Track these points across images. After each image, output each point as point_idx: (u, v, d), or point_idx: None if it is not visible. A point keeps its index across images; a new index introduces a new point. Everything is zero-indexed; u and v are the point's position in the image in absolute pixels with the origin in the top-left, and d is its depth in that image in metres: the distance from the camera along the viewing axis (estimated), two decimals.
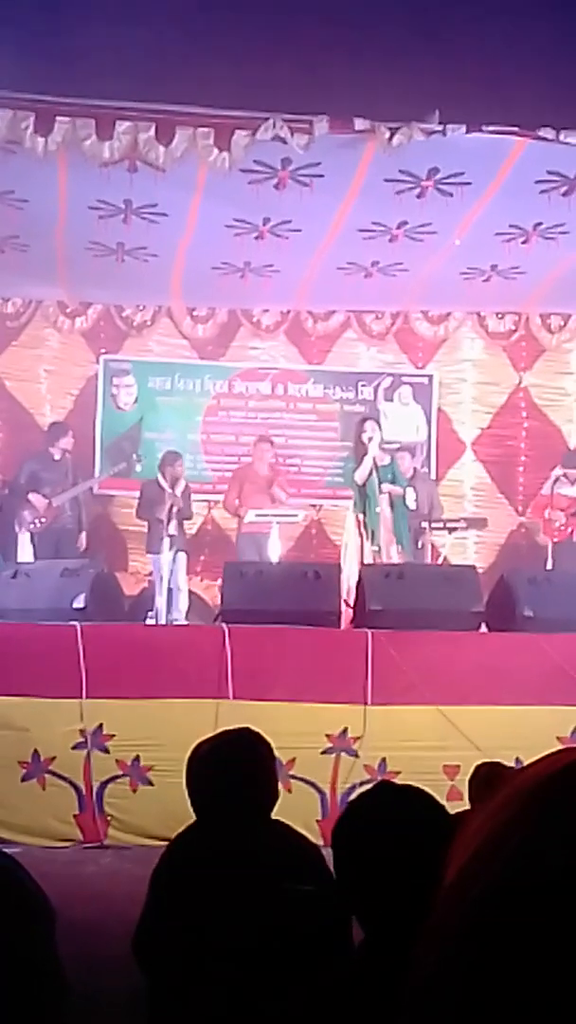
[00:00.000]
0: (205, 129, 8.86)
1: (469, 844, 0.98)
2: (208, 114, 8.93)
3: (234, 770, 3.29)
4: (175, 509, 11.51)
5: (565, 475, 12.71)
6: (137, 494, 12.21)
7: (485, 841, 0.97)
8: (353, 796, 7.51)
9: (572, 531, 12.14)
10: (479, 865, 0.96)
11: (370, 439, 11.14)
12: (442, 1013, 0.95)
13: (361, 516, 11.18)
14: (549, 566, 12.04)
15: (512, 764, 6.78)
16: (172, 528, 11.45)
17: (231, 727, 3.60)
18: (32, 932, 1.44)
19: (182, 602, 11.41)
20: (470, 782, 4.69)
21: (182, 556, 11.69)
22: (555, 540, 12.37)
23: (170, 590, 11.33)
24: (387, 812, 2.39)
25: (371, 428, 11.28)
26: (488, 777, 4.02)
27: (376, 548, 10.97)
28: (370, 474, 11.10)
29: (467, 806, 4.15)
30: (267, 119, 8.79)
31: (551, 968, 0.89)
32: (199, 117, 8.90)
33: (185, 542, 11.95)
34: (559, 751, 1.03)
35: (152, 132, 8.83)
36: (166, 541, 11.32)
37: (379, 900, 2.23)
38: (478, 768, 4.59)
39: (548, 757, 1.02)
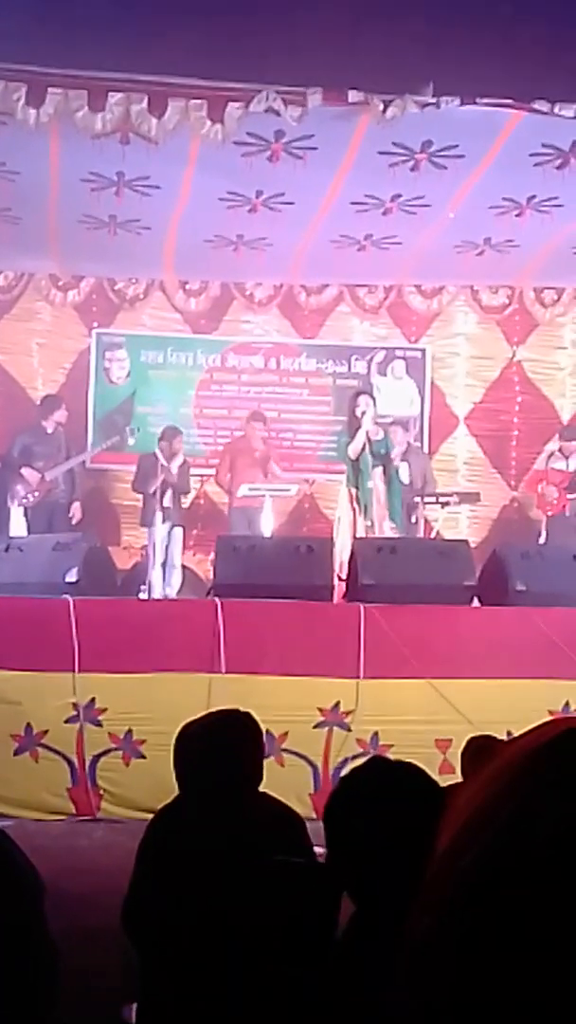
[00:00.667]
0: (198, 101, 8.81)
1: (460, 815, 0.99)
2: (201, 86, 8.88)
3: (220, 749, 3.29)
4: (168, 483, 11.51)
5: (559, 449, 12.72)
6: (130, 467, 12.22)
7: (476, 812, 0.97)
8: (345, 770, 7.55)
9: (565, 506, 12.15)
10: (470, 836, 0.96)
11: (364, 413, 11.12)
12: (436, 980, 0.95)
13: (354, 490, 11.18)
14: (542, 540, 12.08)
15: (504, 737, 6.81)
16: (166, 501, 11.46)
17: (221, 705, 3.61)
18: (21, 905, 1.44)
19: (175, 578, 11.42)
20: (462, 755, 4.71)
21: (178, 531, 11.70)
22: (548, 514, 12.40)
23: (164, 565, 11.36)
24: (379, 787, 2.39)
25: (365, 402, 11.26)
26: (479, 750, 4.04)
27: (369, 523, 10.97)
28: (363, 448, 11.09)
29: (459, 779, 4.16)
30: (260, 91, 8.74)
31: (541, 935, 0.90)
32: (192, 89, 8.85)
33: (182, 517, 11.96)
34: (547, 723, 1.03)
35: (145, 104, 8.78)
36: (159, 515, 11.34)
37: (370, 875, 2.24)
38: (470, 741, 4.61)
39: (537, 729, 1.02)
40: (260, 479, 12.20)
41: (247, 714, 3.49)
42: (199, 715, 3.59)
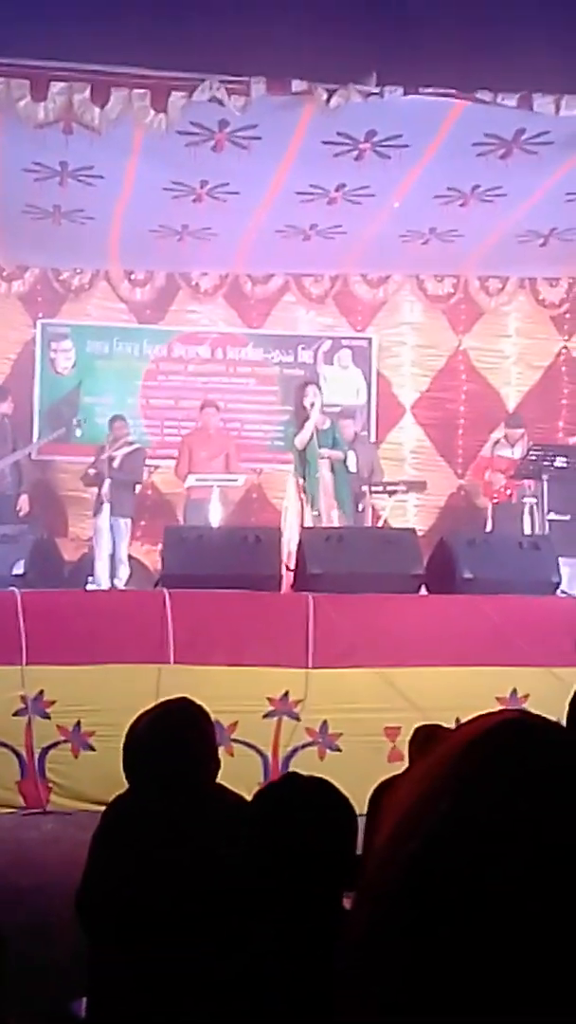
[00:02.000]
0: (141, 90, 8.77)
1: (401, 805, 1.00)
2: (144, 75, 8.84)
3: (170, 740, 3.29)
4: (105, 474, 11.50)
5: (505, 437, 12.80)
6: (77, 459, 12.20)
7: (417, 801, 0.98)
8: (295, 759, 7.55)
9: (511, 493, 12.22)
10: (411, 825, 0.97)
11: (311, 404, 11.14)
12: (377, 971, 0.96)
13: (301, 480, 11.20)
14: (488, 528, 12.15)
15: (452, 725, 6.86)
16: (104, 492, 11.43)
17: (169, 696, 3.60)
18: None
19: (123, 570, 11.38)
20: (410, 744, 4.74)
21: (125, 522, 11.64)
22: (494, 502, 12.47)
23: (112, 556, 11.33)
24: (294, 804, 2.44)
25: (312, 393, 11.28)
26: (427, 739, 4.07)
27: (316, 513, 10.99)
28: (310, 439, 11.11)
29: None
30: (204, 80, 8.72)
31: (481, 922, 0.91)
32: (134, 78, 8.81)
33: (131, 508, 11.90)
34: (487, 714, 1.05)
35: (87, 93, 8.74)
36: (105, 506, 11.33)
37: (290, 883, 2.28)
38: (417, 730, 4.63)
39: (475, 720, 1.03)
40: (221, 470, 12.19)
41: (196, 704, 3.49)
42: (149, 707, 3.58)
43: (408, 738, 7.22)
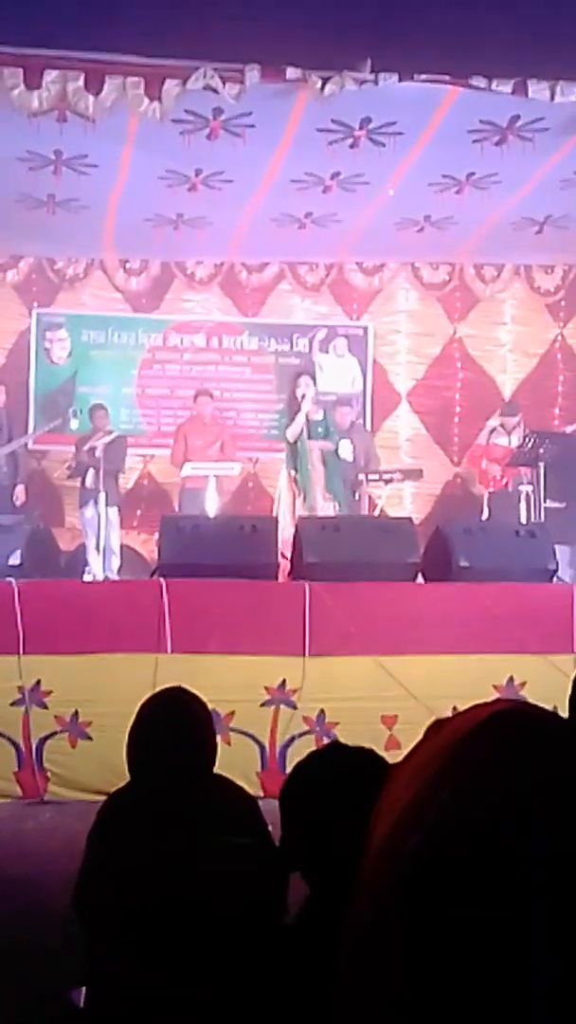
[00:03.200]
0: (135, 79, 8.74)
1: (398, 801, 0.99)
2: (138, 63, 8.81)
3: (167, 730, 3.29)
4: (88, 464, 11.51)
5: (501, 425, 12.80)
6: (72, 449, 12.18)
7: (415, 797, 0.98)
8: (292, 748, 7.55)
9: (507, 481, 12.23)
10: (408, 822, 0.97)
11: (303, 396, 11.15)
12: (382, 967, 0.96)
13: (293, 472, 11.20)
14: (484, 516, 12.16)
15: (449, 713, 6.86)
16: (89, 483, 11.45)
17: (166, 685, 3.60)
18: None
19: (112, 560, 11.37)
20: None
21: (113, 512, 11.63)
22: (490, 490, 12.48)
23: (102, 546, 11.33)
24: (335, 772, 2.41)
25: (305, 384, 11.28)
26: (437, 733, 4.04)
27: (308, 506, 11.00)
28: (302, 430, 11.11)
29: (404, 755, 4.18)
30: (198, 68, 8.69)
31: (479, 917, 0.91)
32: (129, 66, 8.78)
33: (117, 497, 11.89)
34: (481, 704, 1.04)
35: (81, 82, 8.70)
36: (92, 496, 11.37)
37: (325, 859, 2.26)
38: (431, 725, 4.58)
39: (471, 711, 1.03)
40: (216, 457, 12.18)
41: (192, 693, 3.49)
42: (148, 695, 3.57)
43: (405, 726, 7.28)
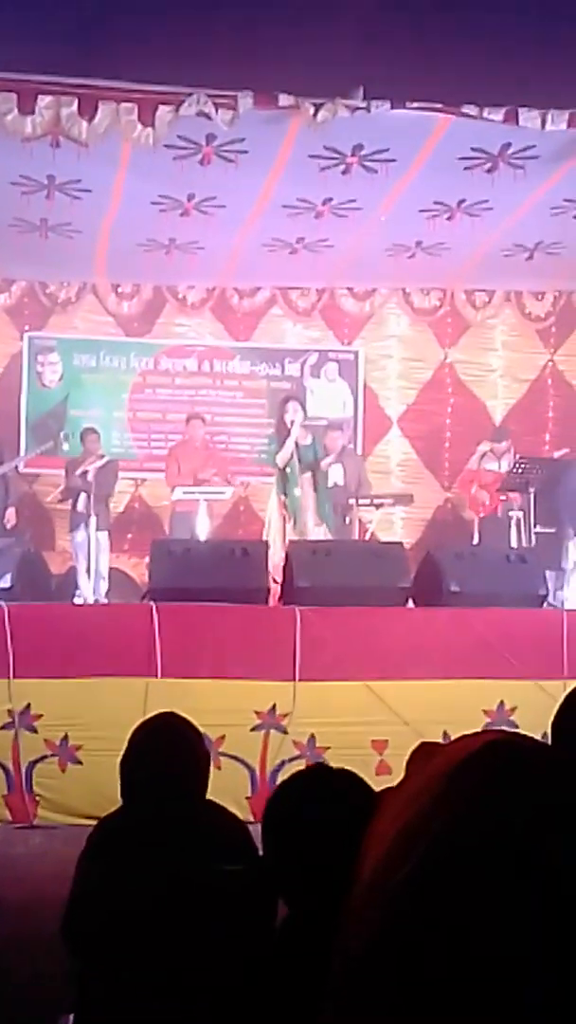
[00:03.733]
0: (128, 104, 8.76)
1: (389, 829, 1.00)
2: (131, 89, 8.83)
3: (159, 756, 3.28)
4: (78, 488, 11.50)
5: (491, 450, 12.82)
6: (63, 472, 12.17)
7: (407, 825, 0.98)
8: (283, 773, 7.53)
9: (497, 506, 12.25)
10: (400, 851, 0.97)
11: (292, 421, 11.18)
12: (369, 994, 0.96)
13: (283, 497, 11.21)
14: (475, 541, 12.17)
15: (439, 738, 6.86)
16: (81, 507, 11.44)
17: (157, 709, 3.59)
18: None
19: (101, 585, 11.34)
20: (408, 763, 4.69)
21: (102, 536, 11.60)
22: (481, 515, 12.49)
23: (90, 569, 11.31)
24: (316, 793, 2.41)
25: (293, 409, 11.30)
26: (425, 758, 4.03)
27: (298, 531, 11.00)
28: (291, 455, 11.13)
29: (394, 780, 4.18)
30: (191, 94, 8.72)
31: (473, 946, 0.91)
32: (122, 92, 8.80)
33: (107, 521, 11.87)
34: (473, 735, 1.05)
35: (75, 107, 8.72)
36: (83, 519, 11.35)
37: (304, 879, 2.25)
38: (416, 749, 4.58)
39: (461, 740, 1.03)
40: (208, 481, 12.17)
41: (187, 721, 3.48)
42: (139, 720, 3.56)
43: (395, 752, 7.27)
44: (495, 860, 0.92)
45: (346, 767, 2.60)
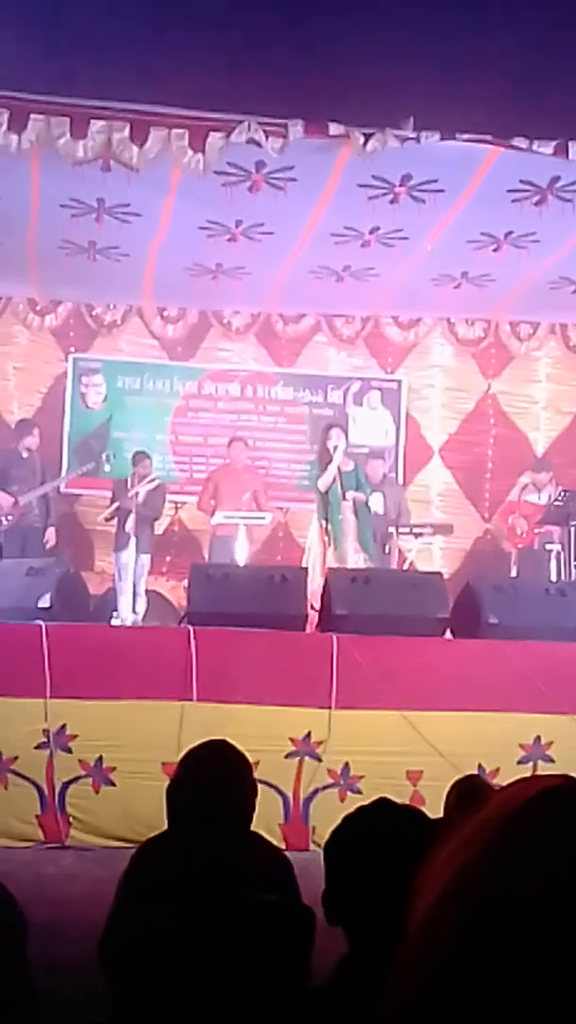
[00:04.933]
0: (180, 130, 8.84)
1: (446, 867, 0.99)
2: (183, 115, 8.91)
3: (207, 782, 3.28)
4: (128, 509, 11.54)
5: (532, 482, 12.77)
6: (104, 493, 12.23)
7: (460, 869, 0.97)
8: (316, 801, 7.49)
9: (533, 539, 12.20)
10: (450, 902, 0.96)
11: (335, 447, 11.15)
12: None
13: (324, 522, 11.20)
14: (513, 573, 12.11)
15: (474, 770, 6.82)
16: (128, 528, 11.47)
17: (193, 734, 3.58)
18: (5, 943, 1.44)
19: (139, 605, 11.38)
20: (447, 797, 4.66)
21: (145, 558, 11.65)
22: (519, 547, 12.44)
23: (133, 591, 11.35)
24: (382, 827, 2.41)
25: (336, 435, 11.29)
26: (464, 794, 4.00)
27: (339, 556, 10.98)
28: (333, 481, 11.13)
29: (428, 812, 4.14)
30: (242, 121, 8.78)
31: (529, 995, 0.90)
32: (174, 118, 8.88)
33: (150, 543, 11.92)
34: (528, 779, 1.04)
35: (126, 132, 8.81)
36: (130, 540, 11.37)
37: (365, 913, 2.25)
38: (454, 785, 4.55)
39: (517, 784, 1.02)
40: (250, 506, 12.20)
41: (237, 750, 3.47)
42: (192, 746, 3.55)
43: (430, 782, 7.23)
44: (553, 910, 0.91)
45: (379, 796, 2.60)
